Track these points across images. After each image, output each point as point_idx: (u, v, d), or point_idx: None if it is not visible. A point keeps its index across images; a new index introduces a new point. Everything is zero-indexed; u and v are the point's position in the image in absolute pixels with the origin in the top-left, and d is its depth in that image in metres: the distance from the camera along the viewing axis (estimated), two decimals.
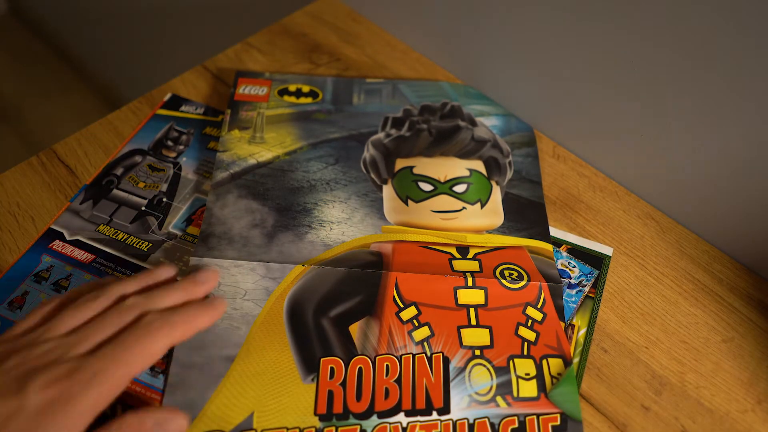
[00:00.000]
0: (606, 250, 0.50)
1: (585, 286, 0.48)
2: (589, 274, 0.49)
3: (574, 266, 0.49)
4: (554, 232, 0.51)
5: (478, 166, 0.53)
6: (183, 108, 0.57)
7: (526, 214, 0.51)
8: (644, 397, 0.43)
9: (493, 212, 0.51)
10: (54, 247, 0.46)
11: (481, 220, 0.50)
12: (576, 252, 0.50)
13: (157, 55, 1.29)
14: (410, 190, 0.51)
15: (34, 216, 0.49)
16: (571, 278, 0.48)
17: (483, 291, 0.45)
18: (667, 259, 0.51)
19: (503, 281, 0.46)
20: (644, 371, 0.44)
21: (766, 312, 0.48)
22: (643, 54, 0.47)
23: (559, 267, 0.49)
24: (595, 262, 0.50)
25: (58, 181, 0.51)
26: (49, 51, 1.79)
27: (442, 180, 0.52)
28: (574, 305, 0.47)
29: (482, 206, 0.51)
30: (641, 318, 0.47)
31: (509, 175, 0.54)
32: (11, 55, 1.79)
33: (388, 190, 0.51)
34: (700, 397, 0.43)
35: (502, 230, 0.50)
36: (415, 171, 0.52)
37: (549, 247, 0.49)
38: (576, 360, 0.44)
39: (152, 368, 0.40)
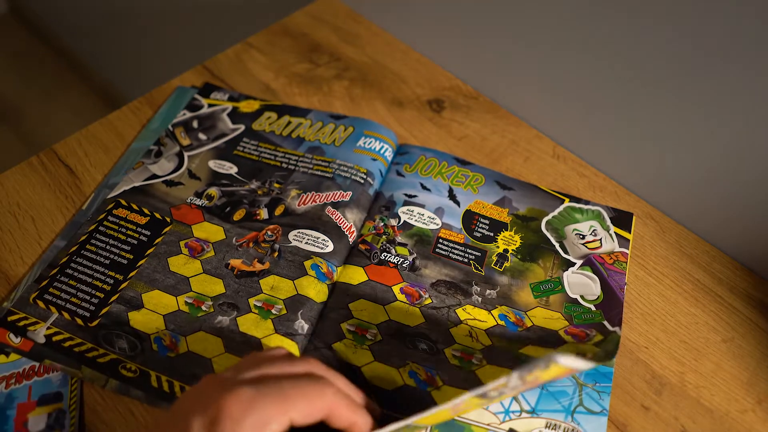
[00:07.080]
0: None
1: None
2: None
3: None
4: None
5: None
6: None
7: None
8: (644, 397, 0.43)
9: None
10: None
11: None
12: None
13: (157, 55, 1.29)
14: None
15: (35, 216, 0.49)
16: None
17: None
18: (667, 259, 0.51)
19: None
20: (644, 371, 0.44)
21: (766, 312, 0.48)
22: (643, 55, 0.47)
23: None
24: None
25: (59, 182, 0.51)
26: (49, 51, 1.78)
27: None
28: None
29: None
30: (641, 318, 0.47)
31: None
32: (11, 55, 1.79)
33: None
34: (700, 397, 0.43)
35: None
36: None
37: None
38: None
39: None
